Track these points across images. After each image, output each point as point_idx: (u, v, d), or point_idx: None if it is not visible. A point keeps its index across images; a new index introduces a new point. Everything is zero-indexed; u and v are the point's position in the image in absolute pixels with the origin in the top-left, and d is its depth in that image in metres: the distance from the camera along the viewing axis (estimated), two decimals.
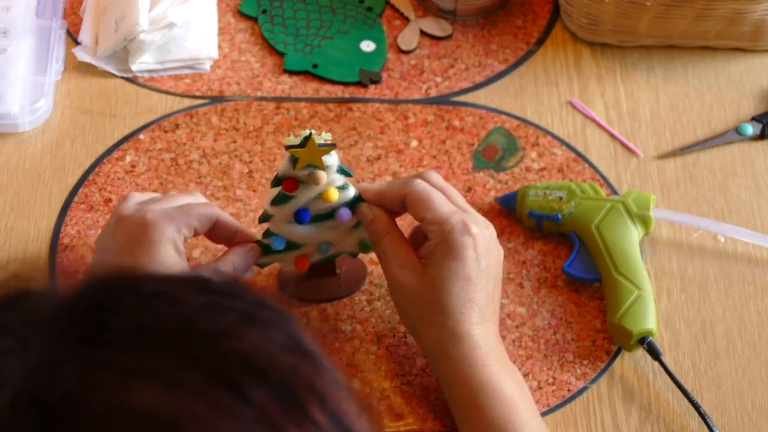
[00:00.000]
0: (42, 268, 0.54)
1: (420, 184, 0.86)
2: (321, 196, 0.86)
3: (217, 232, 0.88)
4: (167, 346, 0.47)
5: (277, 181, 0.86)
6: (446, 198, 0.86)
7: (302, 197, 0.86)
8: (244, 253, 0.89)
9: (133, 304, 0.49)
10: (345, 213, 0.88)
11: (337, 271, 0.95)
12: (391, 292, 0.88)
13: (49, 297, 0.50)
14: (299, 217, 0.87)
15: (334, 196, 0.86)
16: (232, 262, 0.88)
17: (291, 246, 0.90)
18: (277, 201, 0.86)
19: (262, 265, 0.92)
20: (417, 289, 0.85)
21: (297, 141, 0.82)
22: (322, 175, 0.84)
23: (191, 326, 0.48)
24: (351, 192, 0.88)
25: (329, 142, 0.83)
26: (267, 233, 0.89)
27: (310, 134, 0.82)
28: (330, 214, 0.88)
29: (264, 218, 0.88)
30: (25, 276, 0.51)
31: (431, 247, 0.85)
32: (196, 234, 0.86)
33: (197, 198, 0.90)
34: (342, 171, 0.86)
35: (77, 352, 0.46)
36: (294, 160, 0.83)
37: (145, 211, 0.84)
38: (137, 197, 0.88)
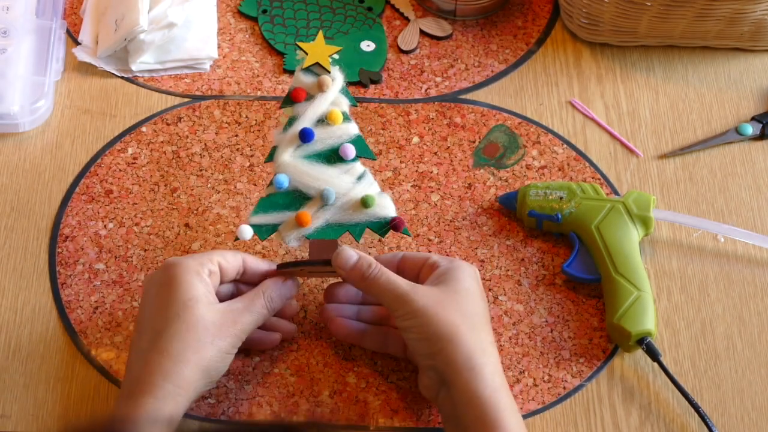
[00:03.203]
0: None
1: None
2: (326, 119, 0.89)
3: (248, 274, 0.89)
4: None
5: (286, 100, 0.90)
6: None
7: (307, 115, 0.89)
8: (278, 286, 0.88)
9: None
10: (349, 148, 0.89)
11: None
12: (404, 313, 0.84)
13: None
14: (304, 135, 0.88)
15: (339, 117, 0.88)
16: (266, 295, 0.87)
17: (293, 199, 0.89)
18: (283, 104, 0.90)
19: (261, 234, 0.90)
20: (438, 296, 0.84)
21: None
22: (327, 80, 0.87)
23: None
24: (354, 128, 0.89)
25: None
26: (272, 182, 0.90)
27: (320, 30, 0.87)
28: (333, 155, 0.89)
29: (270, 155, 0.90)
30: None
31: (437, 273, 0.87)
32: (224, 276, 0.87)
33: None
34: (346, 93, 0.88)
35: None
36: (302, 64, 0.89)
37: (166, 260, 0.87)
38: None
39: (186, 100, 1.07)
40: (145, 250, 0.97)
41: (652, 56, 1.11)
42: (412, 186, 1.02)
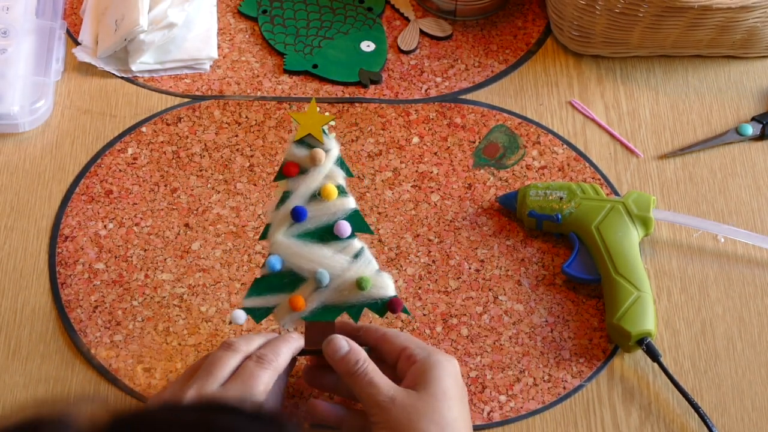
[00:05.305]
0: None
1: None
2: (320, 194, 0.83)
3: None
4: None
5: (279, 175, 0.85)
6: None
7: (300, 192, 0.83)
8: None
9: None
10: (343, 226, 0.83)
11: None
12: (380, 420, 0.80)
13: None
14: (296, 214, 0.83)
15: (333, 192, 0.83)
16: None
17: (288, 281, 0.84)
18: (276, 178, 0.84)
19: (256, 317, 0.85)
20: (415, 406, 0.80)
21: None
22: (320, 153, 0.82)
23: None
24: (351, 202, 0.84)
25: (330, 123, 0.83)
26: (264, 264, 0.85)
27: (313, 99, 0.82)
28: (328, 233, 0.84)
29: (264, 233, 0.85)
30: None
31: (415, 370, 0.82)
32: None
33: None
34: (342, 164, 0.83)
35: None
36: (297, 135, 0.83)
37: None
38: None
39: (186, 100, 1.07)
40: (145, 250, 0.98)
41: (651, 57, 1.11)
42: (412, 186, 1.02)
